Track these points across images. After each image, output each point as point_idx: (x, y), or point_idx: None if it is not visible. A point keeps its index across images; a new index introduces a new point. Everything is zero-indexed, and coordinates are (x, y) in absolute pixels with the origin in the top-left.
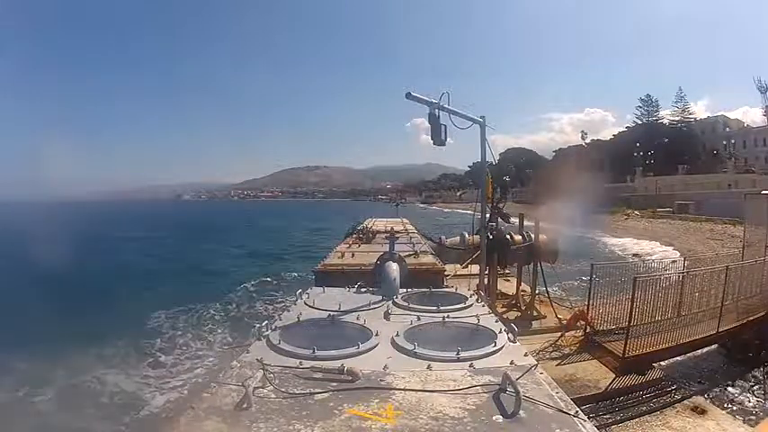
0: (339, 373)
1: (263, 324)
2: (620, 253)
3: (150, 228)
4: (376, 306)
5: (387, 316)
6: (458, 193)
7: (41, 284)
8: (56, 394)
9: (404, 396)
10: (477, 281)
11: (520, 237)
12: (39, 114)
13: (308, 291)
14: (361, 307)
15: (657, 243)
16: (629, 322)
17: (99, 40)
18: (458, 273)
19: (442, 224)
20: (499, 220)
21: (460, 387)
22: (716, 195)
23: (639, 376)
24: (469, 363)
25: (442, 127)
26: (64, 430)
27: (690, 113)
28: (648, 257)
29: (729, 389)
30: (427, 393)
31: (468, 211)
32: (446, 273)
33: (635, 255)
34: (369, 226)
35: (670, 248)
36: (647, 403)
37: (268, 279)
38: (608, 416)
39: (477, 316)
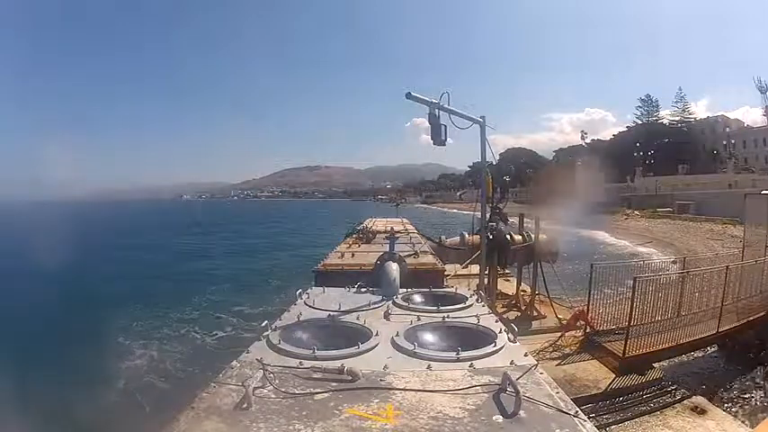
0: (339, 373)
1: (263, 324)
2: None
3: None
4: (376, 306)
5: (387, 316)
6: (457, 194)
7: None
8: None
9: (404, 396)
10: (477, 281)
11: (520, 237)
12: (39, 115)
13: (308, 291)
14: (361, 307)
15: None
16: (629, 322)
17: (99, 39)
18: (458, 273)
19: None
20: (500, 221)
21: (460, 387)
22: (716, 195)
23: (639, 376)
24: (469, 363)
25: (442, 127)
26: None
27: (690, 113)
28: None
29: (729, 389)
30: (427, 393)
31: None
32: (446, 273)
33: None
34: (369, 226)
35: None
36: (647, 403)
37: None
38: (608, 416)
39: (477, 316)
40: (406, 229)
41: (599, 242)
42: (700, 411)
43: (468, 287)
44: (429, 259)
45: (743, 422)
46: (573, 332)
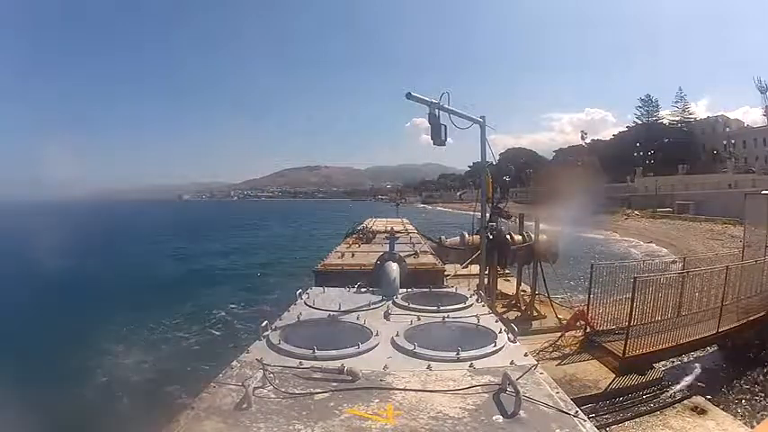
0: (339, 373)
1: (263, 324)
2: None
3: None
4: (376, 306)
5: (387, 316)
6: (458, 194)
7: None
8: None
9: (404, 396)
10: (477, 281)
11: (520, 237)
12: (39, 115)
13: (308, 291)
14: (361, 307)
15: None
16: (629, 322)
17: (99, 39)
18: (458, 273)
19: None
20: (500, 219)
21: (460, 387)
22: (716, 195)
23: (639, 376)
24: (469, 363)
25: (442, 127)
26: None
27: (690, 113)
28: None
29: (729, 389)
30: (427, 393)
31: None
32: (446, 273)
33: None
34: (369, 226)
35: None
36: (647, 403)
37: None
38: (608, 416)
39: (477, 316)
40: (406, 229)
41: (611, 241)
42: (700, 411)
43: (468, 287)
44: (429, 259)
45: (743, 422)
46: (573, 332)
